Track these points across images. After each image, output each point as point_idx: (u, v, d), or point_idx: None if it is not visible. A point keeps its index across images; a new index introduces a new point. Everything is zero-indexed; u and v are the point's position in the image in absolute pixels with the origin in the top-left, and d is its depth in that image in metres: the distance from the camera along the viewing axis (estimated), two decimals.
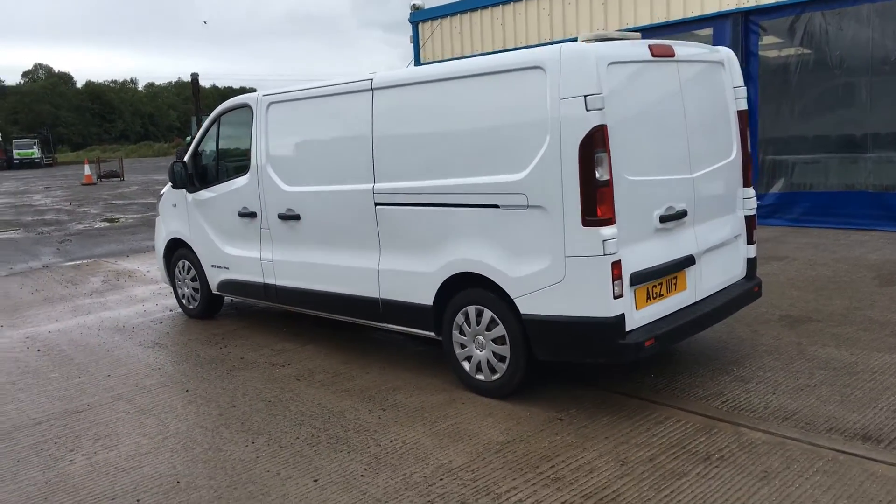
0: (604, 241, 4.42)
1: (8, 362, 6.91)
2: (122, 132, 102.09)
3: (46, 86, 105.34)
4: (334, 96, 6.00)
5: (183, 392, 5.77)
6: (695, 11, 12.25)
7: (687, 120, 5.07)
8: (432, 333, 5.53)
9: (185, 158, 7.65)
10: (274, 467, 4.37)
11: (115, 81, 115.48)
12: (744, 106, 5.73)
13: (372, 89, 5.65)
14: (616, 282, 4.48)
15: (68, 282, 10.91)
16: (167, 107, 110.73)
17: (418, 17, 17.06)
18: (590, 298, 4.53)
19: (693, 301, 5.18)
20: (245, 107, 6.90)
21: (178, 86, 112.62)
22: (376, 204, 5.67)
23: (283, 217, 6.53)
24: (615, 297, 4.48)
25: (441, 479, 4.09)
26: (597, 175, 4.39)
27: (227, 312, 8.35)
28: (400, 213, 5.53)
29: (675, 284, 5.01)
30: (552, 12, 14.31)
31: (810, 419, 4.56)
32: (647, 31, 12.87)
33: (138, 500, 4.08)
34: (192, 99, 54.83)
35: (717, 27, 12.06)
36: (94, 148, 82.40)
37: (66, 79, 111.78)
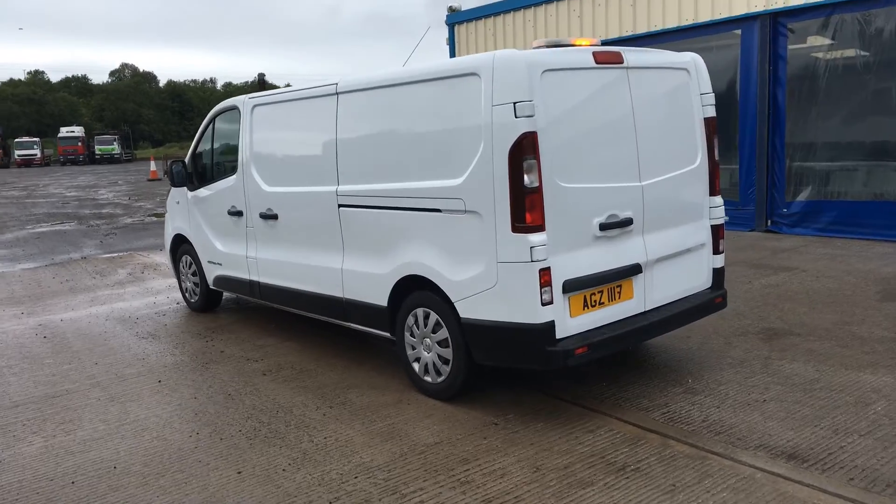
0: (531, 247, 4.43)
1: (13, 347, 7.34)
2: None
3: (131, 84, 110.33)
4: (307, 99, 6.17)
5: (155, 382, 6.03)
6: (722, 13, 11.95)
7: (637, 127, 5.02)
8: (388, 334, 5.63)
9: (186, 158, 7.97)
10: (206, 458, 4.56)
11: (195, 81, 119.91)
12: (711, 113, 5.62)
13: (337, 93, 5.78)
14: (545, 288, 4.48)
15: (97, 273, 11.46)
16: None
17: (454, 18, 17.16)
18: (519, 304, 4.55)
19: (642, 310, 5.12)
20: (234, 108, 7.15)
21: (254, 85, 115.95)
22: (339, 206, 5.81)
23: (263, 216, 6.74)
24: (543, 304, 4.49)
25: (355, 478, 4.19)
26: (525, 182, 4.41)
27: (228, 306, 8.64)
28: (359, 215, 5.65)
29: (619, 293, 4.96)
30: (582, 13, 14.19)
31: (744, 435, 4.46)
32: (675, 33, 12.66)
33: (73, 482, 4.32)
34: None
35: (745, 29, 11.74)
36: (172, 145, 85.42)
37: (149, 78, 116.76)
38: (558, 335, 4.59)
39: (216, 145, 7.61)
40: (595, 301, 4.81)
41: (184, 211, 8.20)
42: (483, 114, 4.54)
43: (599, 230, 4.79)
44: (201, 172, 7.85)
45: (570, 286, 4.62)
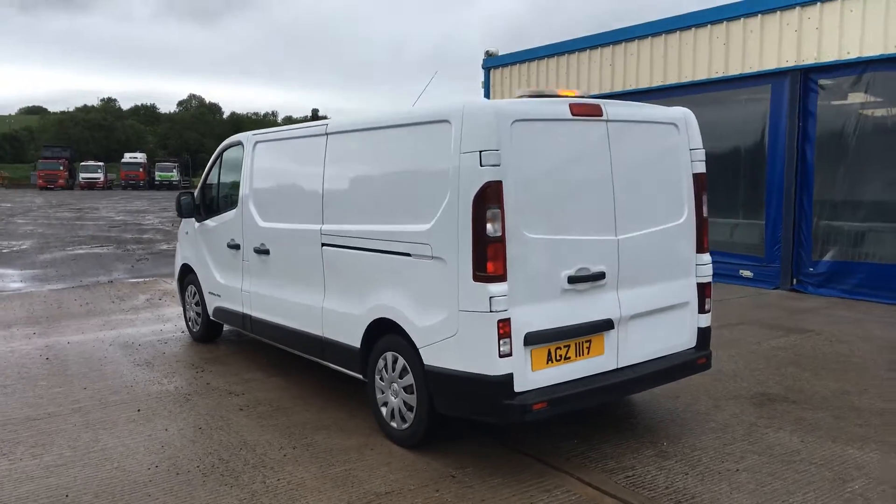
0: (491, 297, 4.36)
1: (14, 367, 7.50)
2: None
3: (196, 115, 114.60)
4: (301, 138, 6.26)
5: (134, 412, 6.08)
6: (753, 67, 11.79)
7: (616, 180, 4.93)
8: (361, 376, 5.58)
9: (196, 190, 8.14)
10: (156, 492, 4.54)
11: (256, 113, 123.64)
12: (700, 169, 5.51)
13: (326, 134, 5.86)
14: (503, 340, 4.39)
15: (118, 297, 11.72)
16: None
17: (490, 63, 17.33)
18: (477, 355, 4.46)
19: (614, 367, 4.97)
20: (239, 144, 7.29)
21: (306, 120, 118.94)
22: (322, 244, 5.83)
23: (257, 251, 6.81)
24: (501, 356, 4.39)
25: None
26: (488, 230, 4.36)
27: (229, 338, 8.71)
28: (339, 255, 5.67)
29: (589, 348, 4.83)
30: (614, 62, 14.18)
31: (697, 497, 4.25)
32: (705, 85, 12.53)
33: None
34: None
35: (775, 85, 11.55)
36: None
37: (214, 109, 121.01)
38: (518, 388, 4.48)
39: (222, 178, 7.77)
40: (560, 355, 4.69)
41: (191, 241, 8.35)
42: (452, 160, 4.52)
43: (568, 283, 4.69)
44: (208, 204, 8.01)
45: (532, 339, 4.52)
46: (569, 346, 4.73)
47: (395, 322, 5.07)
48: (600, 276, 4.83)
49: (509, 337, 4.42)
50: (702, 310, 5.50)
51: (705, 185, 5.54)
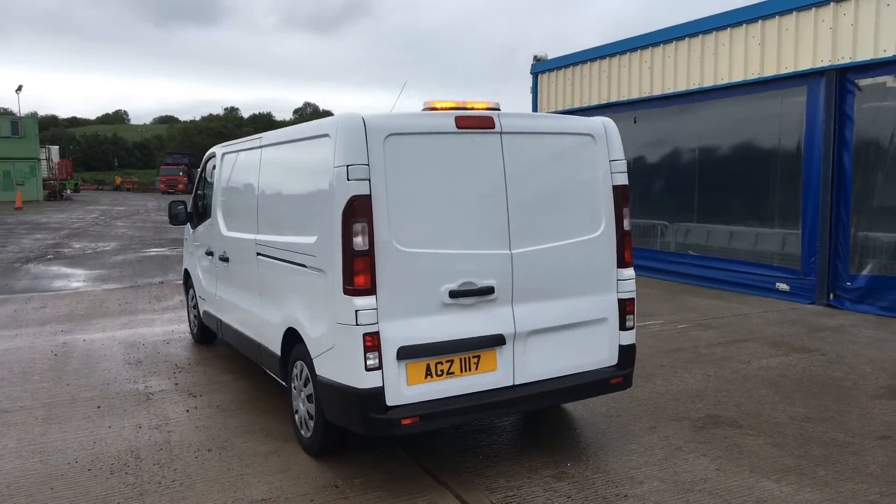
0: (356, 310, 4.39)
1: (22, 362, 8.14)
2: None
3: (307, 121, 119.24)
4: (246, 150, 6.49)
5: (94, 409, 6.47)
6: (788, 68, 11.11)
7: (510, 193, 4.83)
8: (283, 382, 5.72)
9: (190, 199, 8.56)
10: (59, 486, 4.84)
11: None
12: (621, 181, 5.31)
13: (261, 147, 6.06)
14: (370, 353, 4.41)
15: (154, 298, 12.43)
16: None
17: (538, 68, 17.15)
18: (347, 367, 4.50)
19: (510, 383, 4.87)
20: (214, 155, 7.62)
21: None
22: (257, 254, 6.02)
23: (221, 259, 7.11)
24: (368, 369, 4.41)
25: None
26: (355, 244, 4.39)
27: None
28: (266, 264, 5.84)
29: (477, 364, 4.76)
30: (653, 65, 13.72)
31: None
32: (741, 87, 11.94)
33: None
34: None
35: (811, 85, 10.84)
36: None
37: (325, 116, 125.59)
38: (390, 402, 4.48)
39: (206, 188, 8.13)
40: (442, 370, 4.65)
41: (188, 247, 8.78)
42: (329, 174, 4.59)
43: (450, 297, 4.64)
44: (199, 212, 8.40)
45: (406, 353, 4.51)
46: (452, 361, 4.68)
47: (297, 332, 5.18)
48: (488, 290, 4.75)
49: (377, 350, 4.43)
50: (623, 327, 5.29)
51: (627, 198, 5.33)
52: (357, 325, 4.40)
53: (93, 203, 51.25)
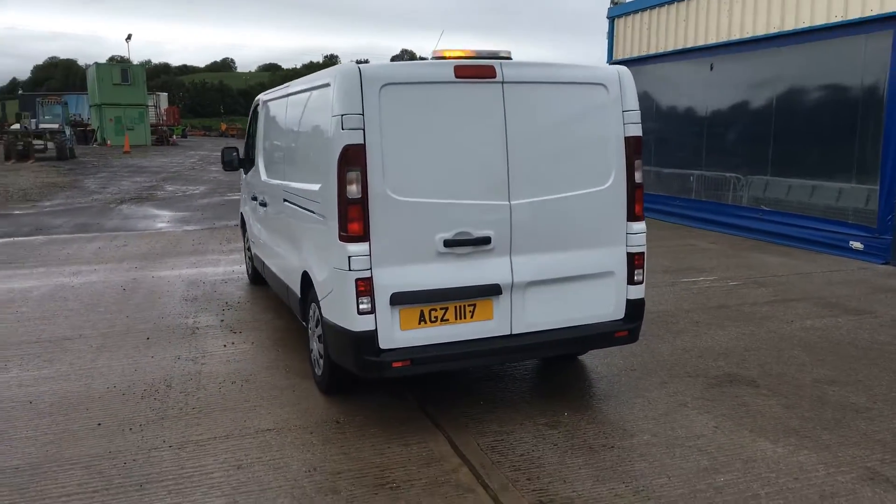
0: (349, 256, 4.55)
1: (93, 295, 8.81)
2: None
3: None
4: (279, 98, 6.70)
5: (143, 340, 6.99)
6: (873, 10, 10.30)
7: (511, 144, 4.82)
8: (304, 322, 6.01)
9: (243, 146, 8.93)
10: (94, 407, 5.32)
11: None
12: (634, 132, 5.17)
13: (286, 96, 6.24)
14: (362, 298, 4.58)
15: (226, 240, 13.08)
16: None
17: (615, 12, 16.55)
18: (343, 310, 4.69)
19: (507, 332, 4.94)
20: (259, 103, 7.89)
21: None
22: (284, 200, 6.27)
23: (262, 204, 7.43)
24: (360, 313, 4.58)
25: (156, 450, 4.67)
26: (349, 192, 4.53)
27: None
28: (289, 210, 6.08)
29: (473, 312, 4.85)
30: (732, 8, 12.97)
31: (537, 476, 4.21)
32: (823, 31, 11.17)
33: None
34: None
35: None
36: None
37: None
38: (383, 346, 4.66)
39: (253, 136, 8.44)
40: (436, 317, 4.77)
41: (243, 192, 9.19)
42: (329, 123, 4.71)
43: (444, 246, 4.72)
44: (249, 159, 8.75)
45: (399, 299, 4.65)
46: (446, 309, 4.79)
47: (309, 275, 5.41)
48: (484, 240, 4.80)
49: (370, 295, 4.59)
50: (631, 281, 5.24)
51: (639, 150, 5.20)
52: (350, 270, 4.56)
53: (195, 148, 53.61)
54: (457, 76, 4.70)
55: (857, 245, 10.81)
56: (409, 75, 4.64)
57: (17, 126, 37.99)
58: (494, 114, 4.80)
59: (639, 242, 5.24)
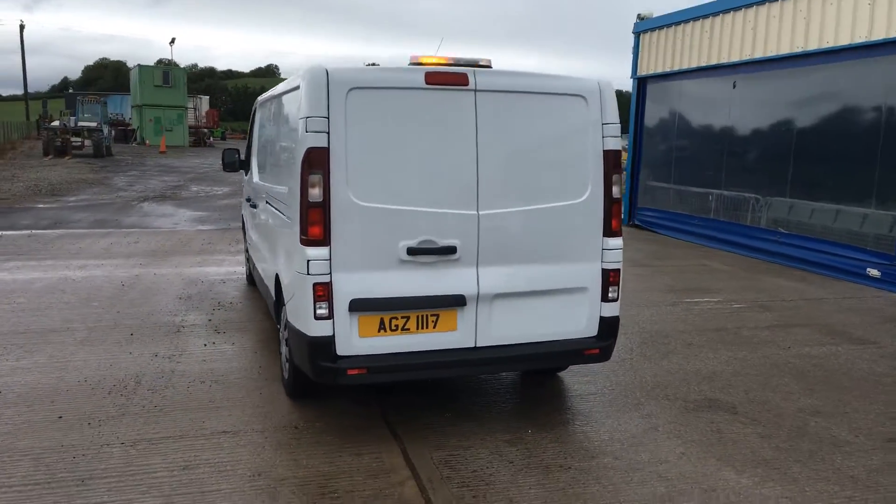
0: (308, 260, 4.49)
1: (92, 289, 8.88)
2: None
3: None
4: (269, 101, 6.69)
5: (127, 335, 7.01)
6: None
7: (482, 153, 4.72)
8: (278, 326, 5.96)
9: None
10: (60, 399, 5.33)
11: None
12: (613, 145, 5.03)
13: (272, 98, 6.23)
14: (320, 303, 4.51)
15: (236, 241, 13.09)
16: None
17: (641, 27, 16.34)
18: (301, 314, 4.63)
19: (471, 345, 4.83)
20: (256, 105, 7.91)
21: None
22: (266, 201, 6.25)
23: (252, 205, 7.43)
24: (317, 318, 4.52)
25: (108, 445, 4.64)
26: (310, 196, 4.47)
27: None
28: (268, 211, 6.06)
29: (436, 322, 4.75)
30: (756, 25, 12.71)
31: (483, 494, 4.08)
32: (845, 52, 10.87)
33: None
34: None
35: None
36: None
37: None
38: (341, 352, 4.58)
39: (251, 138, 8.47)
40: (397, 325, 4.68)
41: (244, 194, 9.23)
42: (297, 125, 4.67)
43: (407, 254, 4.63)
44: (247, 161, 8.77)
45: (358, 305, 4.57)
46: (408, 318, 4.69)
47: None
48: (449, 250, 4.69)
49: (327, 300, 4.51)
50: (605, 298, 5.09)
51: (618, 164, 5.06)
52: (308, 274, 4.50)
53: None
54: (427, 83, 4.62)
55: (874, 272, 10.45)
56: (378, 80, 4.58)
57: (56, 123, 38.92)
58: (465, 122, 4.70)
59: (614, 259, 5.09)
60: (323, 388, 5.34)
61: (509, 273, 4.86)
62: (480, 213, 4.75)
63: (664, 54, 15.44)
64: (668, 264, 11.95)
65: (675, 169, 15.15)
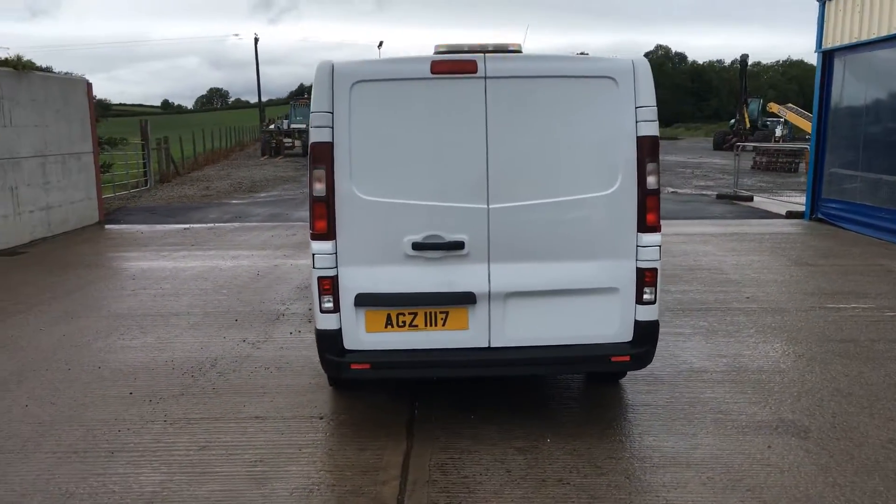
0: (313, 254, 4.58)
1: (232, 278, 9.72)
2: (716, 111, 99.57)
3: (654, 65, 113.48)
4: None
5: (232, 321, 7.60)
6: None
7: (492, 144, 4.50)
8: None
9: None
10: (142, 375, 5.92)
11: (720, 61, 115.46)
12: (648, 131, 4.55)
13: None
14: (325, 297, 4.58)
15: None
16: (768, 86, 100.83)
17: None
18: (314, 308, 4.73)
19: (485, 345, 4.65)
20: None
21: (787, 65, 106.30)
22: None
23: None
24: (323, 311, 4.59)
25: (152, 423, 5.06)
26: (315, 190, 4.55)
27: None
28: None
29: (445, 320, 4.62)
30: None
31: (461, 502, 3.92)
32: None
33: (68, 368, 6.17)
34: (739, 80, 54.10)
35: None
36: (679, 126, 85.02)
37: (674, 59, 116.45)
38: (348, 346, 4.63)
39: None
40: (404, 321, 4.62)
41: None
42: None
43: (413, 249, 4.55)
44: None
45: (364, 300, 4.58)
46: (415, 314, 4.61)
47: None
48: (457, 245, 4.53)
49: (332, 294, 4.57)
50: (640, 300, 4.64)
51: (654, 151, 4.56)
52: (315, 268, 4.59)
53: None
54: (433, 72, 4.49)
55: None
56: (383, 72, 4.53)
57: (272, 126, 42.88)
58: (474, 111, 4.51)
59: (650, 256, 4.61)
60: (363, 381, 5.43)
61: (525, 271, 4.59)
62: (491, 207, 4.54)
63: (852, 23, 13.57)
64: (834, 263, 10.54)
65: (864, 154, 13.30)
